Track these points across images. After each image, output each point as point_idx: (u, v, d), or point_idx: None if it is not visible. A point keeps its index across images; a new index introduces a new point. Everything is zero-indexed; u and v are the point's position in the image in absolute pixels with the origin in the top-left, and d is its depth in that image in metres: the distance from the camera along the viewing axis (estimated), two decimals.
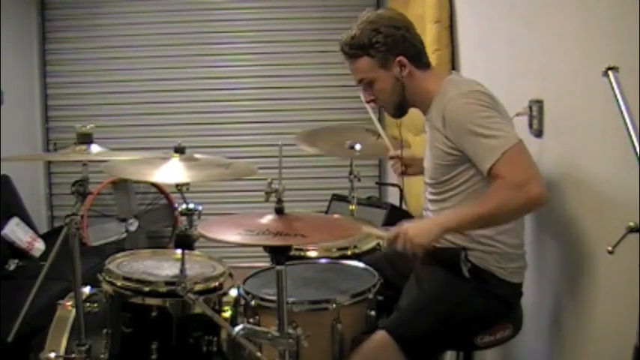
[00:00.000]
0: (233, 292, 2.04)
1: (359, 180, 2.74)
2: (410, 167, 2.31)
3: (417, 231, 1.70)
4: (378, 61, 1.84)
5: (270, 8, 4.77)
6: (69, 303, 2.05)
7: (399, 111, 1.95)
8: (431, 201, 1.95)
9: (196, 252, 2.18)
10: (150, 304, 1.92)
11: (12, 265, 3.50)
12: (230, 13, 4.79)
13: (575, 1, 1.81)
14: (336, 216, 2.91)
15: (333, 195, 3.92)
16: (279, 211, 1.62)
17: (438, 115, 1.80)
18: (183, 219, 1.82)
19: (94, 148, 1.95)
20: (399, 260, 2.08)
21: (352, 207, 2.83)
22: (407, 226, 1.72)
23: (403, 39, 1.83)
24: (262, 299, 1.80)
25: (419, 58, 1.88)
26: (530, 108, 2.04)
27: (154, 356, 1.89)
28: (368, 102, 1.95)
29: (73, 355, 1.85)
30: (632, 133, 1.16)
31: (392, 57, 1.83)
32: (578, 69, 1.78)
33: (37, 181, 4.75)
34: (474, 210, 1.71)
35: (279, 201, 1.62)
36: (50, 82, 4.81)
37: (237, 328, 1.63)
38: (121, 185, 4.47)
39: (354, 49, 1.85)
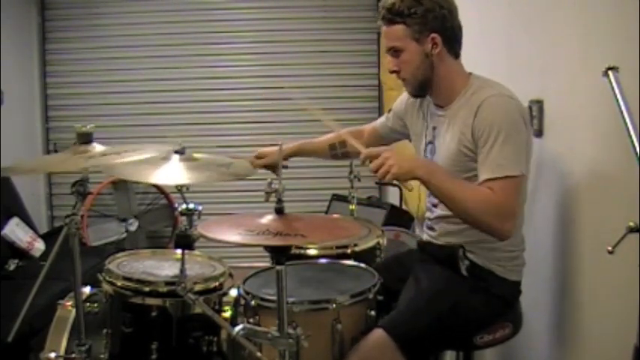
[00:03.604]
0: (233, 292, 2.03)
1: (359, 180, 2.73)
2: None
3: (401, 162, 1.68)
4: (412, 33, 1.81)
5: (270, 8, 4.77)
6: (69, 303, 2.05)
7: (420, 90, 1.92)
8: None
9: (196, 252, 2.17)
10: (150, 304, 1.92)
11: (12, 265, 3.50)
12: (230, 13, 4.79)
13: (575, 0, 1.82)
14: (336, 216, 2.91)
15: (333, 195, 3.92)
16: (279, 211, 1.62)
17: (468, 110, 1.78)
18: (183, 219, 1.82)
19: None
20: (396, 265, 2.10)
21: (352, 207, 2.82)
22: (392, 152, 1.71)
23: (443, 18, 1.81)
24: (262, 299, 1.80)
25: (452, 44, 1.85)
26: (530, 108, 2.04)
27: (153, 356, 1.89)
28: (392, 72, 1.91)
29: (73, 355, 1.85)
30: (632, 133, 1.16)
31: (427, 32, 1.81)
32: (578, 69, 1.78)
33: (37, 181, 4.75)
34: (453, 188, 1.71)
35: (279, 201, 1.62)
36: (50, 82, 4.81)
37: (237, 328, 1.63)
38: (121, 185, 4.47)
39: (391, 15, 1.82)
